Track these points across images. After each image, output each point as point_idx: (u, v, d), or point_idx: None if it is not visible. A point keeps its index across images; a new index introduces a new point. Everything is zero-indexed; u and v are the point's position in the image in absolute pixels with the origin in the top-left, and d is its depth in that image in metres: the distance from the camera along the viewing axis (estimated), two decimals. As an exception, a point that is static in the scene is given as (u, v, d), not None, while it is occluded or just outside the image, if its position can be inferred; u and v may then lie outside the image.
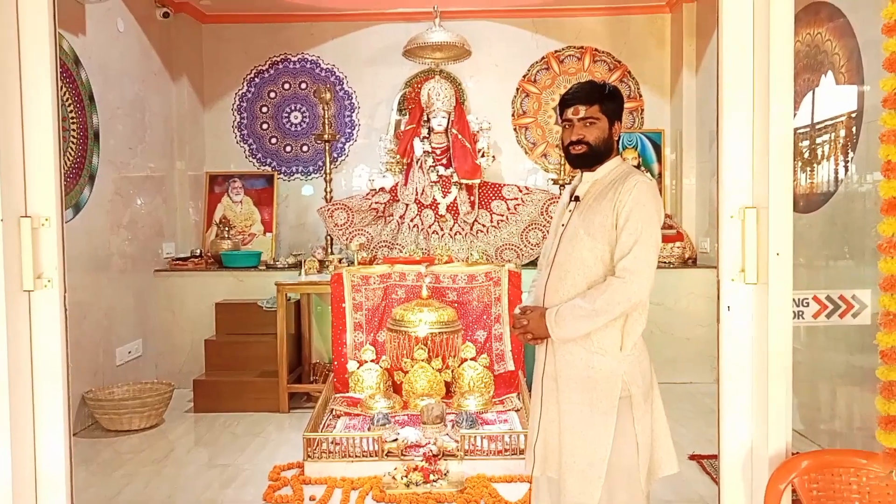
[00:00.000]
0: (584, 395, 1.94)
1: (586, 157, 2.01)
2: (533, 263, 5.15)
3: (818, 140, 3.69)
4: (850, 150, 3.41)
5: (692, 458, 3.61)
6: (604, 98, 2.01)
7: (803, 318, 1.80)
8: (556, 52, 5.89)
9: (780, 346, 1.73)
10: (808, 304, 1.80)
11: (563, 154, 2.06)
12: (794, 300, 1.77)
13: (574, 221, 2.00)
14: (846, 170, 3.45)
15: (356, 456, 3.44)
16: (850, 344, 3.31)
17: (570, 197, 2.08)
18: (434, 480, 3.24)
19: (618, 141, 2.05)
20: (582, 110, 2.00)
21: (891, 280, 1.53)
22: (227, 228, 5.78)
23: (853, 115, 3.37)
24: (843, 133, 3.47)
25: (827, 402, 3.61)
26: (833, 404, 3.56)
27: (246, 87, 5.99)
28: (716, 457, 3.45)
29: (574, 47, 5.88)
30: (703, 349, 5.14)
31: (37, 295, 1.83)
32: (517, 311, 2.09)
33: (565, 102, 2.02)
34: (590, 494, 1.90)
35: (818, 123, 3.67)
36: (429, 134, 5.40)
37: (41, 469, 1.83)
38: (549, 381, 2.02)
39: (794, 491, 1.73)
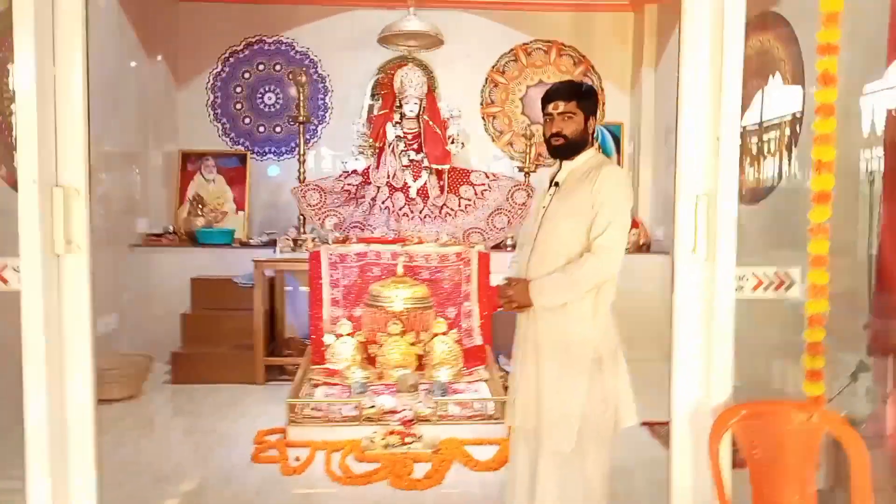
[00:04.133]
0: (560, 357, 2.22)
1: (564, 148, 2.29)
2: (498, 247, 5.43)
3: (765, 137, 4.03)
4: (792, 148, 3.76)
5: (643, 424, 3.93)
6: (581, 95, 2.27)
7: (744, 291, 2.10)
8: (524, 44, 6.15)
9: (725, 313, 2.03)
10: (748, 279, 2.11)
11: (545, 144, 2.33)
12: (736, 275, 2.07)
13: (554, 205, 2.27)
14: (788, 166, 3.81)
15: (336, 421, 3.67)
16: (785, 323, 3.67)
17: (550, 183, 2.34)
18: (410, 443, 3.50)
19: (592, 134, 2.32)
20: (561, 105, 2.26)
21: (818, 258, 1.83)
22: (199, 206, 5.89)
23: (797, 115, 3.71)
24: (787, 132, 3.82)
25: (759, 371, 3.98)
26: (766, 373, 3.94)
27: (220, 67, 6.09)
28: (664, 423, 3.81)
29: (541, 41, 6.15)
30: (653, 328, 5.41)
31: (67, 259, 2.00)
32: (503, 281, 2.36)
33: (548, 98, 2.29)
34: (566, 443, 2.19)
35: (765, 122, 4.02)
36: (401, 119, 5.60)
37: (70, 414, 2.02)
38: (530, 345, 2.29)
39: (732, 436, 2.04)
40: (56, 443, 2.00)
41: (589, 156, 2.30)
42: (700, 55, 2.03)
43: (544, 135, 2.33)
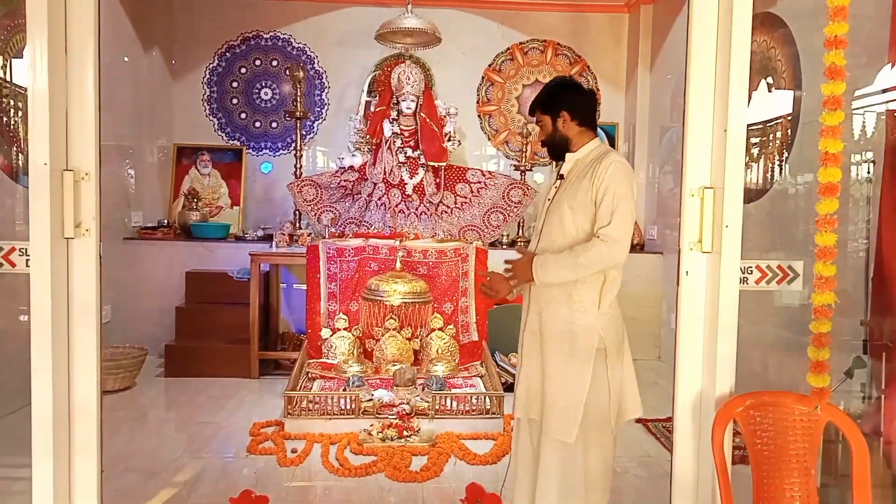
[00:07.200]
0: (565, 347, 2.24)
1: (550, 152, 2.45)
2: (493, 244, 5.45)
3: (761, 139, 4.07)
4: (785, 151, 3.80)
5: (638, 421, 3.98)
6: (538, 105, 2.40)
7: (748, 284, 2.13)
8: (520, 44, 6.18)
9: (729, 305, 2.06)
10: (752, 271, 2.14)
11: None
12: (741, 268, 2.10)
13: (559, 197, 2.31)
14: (781, 168, 3.85)
15: (333, 414, 3.67)
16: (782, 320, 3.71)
17: (557, 176, 2.39)
18: (408, 436, 3.51)
19: (580, 123, 2.33)
20: (533, 119, 2.45)
21: (824, 250, 1.86)
22: (194, 200, 5.87)
23: (789, 117, 3.75)
24: (785, 133, 3.86)
25: (757, 366, 4.03)
26: (763, 368, 3.98)
27: (217, 62, 6.07)
28: (659, 420, 3.84)
29: (537, 40, 6.18)
30: (648, 328, 5.54)
31: (76, 242, 2.01)
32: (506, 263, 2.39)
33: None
34: (568, 432, 2.20)
35: (763, 123, 4.06)
36: (398, 116, 5.61)
37: (75, 396, 2.02)
38: (533, 336, 2.32)
39: (734, 423, 2.06)
40: (60, 427, 2.00)
41: (593, 147, 2.34)
42: (708, 49, 2.07)
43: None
